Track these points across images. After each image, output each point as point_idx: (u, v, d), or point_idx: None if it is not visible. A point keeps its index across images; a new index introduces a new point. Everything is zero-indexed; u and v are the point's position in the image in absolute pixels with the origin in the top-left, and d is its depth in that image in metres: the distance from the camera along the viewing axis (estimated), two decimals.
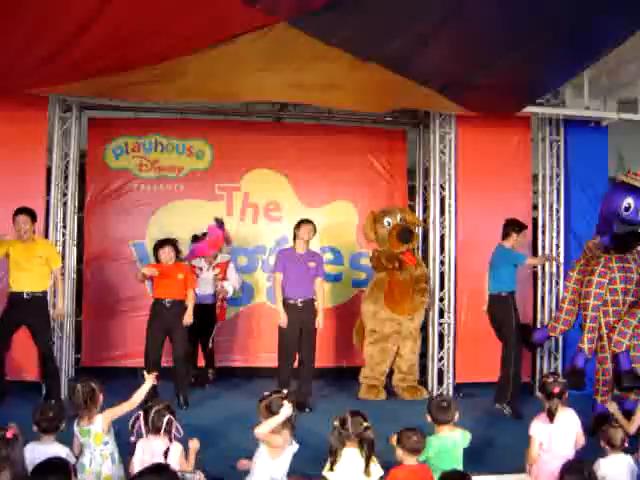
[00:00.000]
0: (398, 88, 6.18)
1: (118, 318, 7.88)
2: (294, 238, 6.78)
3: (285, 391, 3.96)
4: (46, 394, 6.32)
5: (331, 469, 3.62)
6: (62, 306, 6.58)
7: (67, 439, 3.93)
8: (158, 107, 8.03)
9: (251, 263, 8.28)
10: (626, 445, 4.02)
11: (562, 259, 7.64)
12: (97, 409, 3.97)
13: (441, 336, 7.48)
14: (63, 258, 7.20)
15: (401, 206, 7.98)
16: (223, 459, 4.61)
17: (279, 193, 8.36)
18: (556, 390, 4.22)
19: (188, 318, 6.61)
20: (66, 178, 7.26)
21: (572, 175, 7.75)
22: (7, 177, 6.85)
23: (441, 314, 7.49)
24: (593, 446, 4.21)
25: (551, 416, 4.17)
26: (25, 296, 6.15)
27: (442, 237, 7.56)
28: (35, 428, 3.80)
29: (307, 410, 6.46)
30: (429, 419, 4.11)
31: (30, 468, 3.20)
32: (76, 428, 3.95)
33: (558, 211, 7.79)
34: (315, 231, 6.78)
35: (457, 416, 4.12)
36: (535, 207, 7.91)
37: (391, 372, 7.34)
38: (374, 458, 3.67)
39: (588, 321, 5.77)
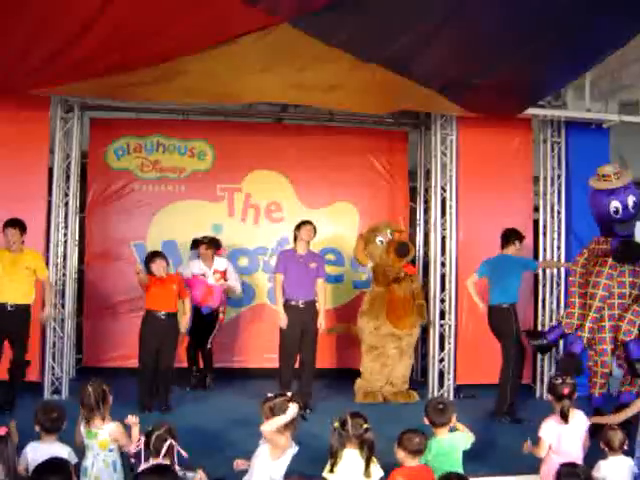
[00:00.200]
0: (399, 89, 6.18)
1: (119, 319, 7.90)
2: (295, 239, 6.79)
3: (289, 393, 3.95)
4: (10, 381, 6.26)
5: (331, 471, 3.62)
6: (48, 312, 6.48)
7: (68, 439, 3.94)
8: (160, 108, 8.05)
9: (252, 264, 8.29)
10: (625, 447, 4.02)
11: (563, 261, 7.64)
12: (108, 412, 3.97)
13: (442, 337, 7.47)
14: (64, 258, 7.24)
15: (386, 221, 7.82)
16: (224, 460, 4.61)
17: (280, 194, 8.37)
18: (566, 391, 4.24)
19: (185, 325, 6.67)
20: (68, 178, 7.26)
21: (573, 177, 7.74)
22: (9, 177, 6.85)
23: (442, 315, 7.48)
24: (594, 447, 4.22)
25: (565, 417, 4.18)
26: (9, 308, 6.14)
27: (443, 238, 7.56)
28: (37, 428, 3.80)
29: (308, 411, 6.45)
30: (427, 421, 4.11)
31: (31, 468, 3.21)
32: (83, 429, 3.94)
33: (559, 213, 7.78)
34: (315, 232, 6.78)
35: (455, 418, 4.13)
36: (536, 209, 7.91)
37: None
38: (374, 459, 3.67)
39: (592, 311, 5.74)
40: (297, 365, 6.73)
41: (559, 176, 7.80)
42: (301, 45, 5.02)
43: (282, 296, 6.65)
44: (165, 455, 3.56)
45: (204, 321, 7.33)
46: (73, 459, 3.73)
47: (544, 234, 7.81)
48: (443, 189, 7.58)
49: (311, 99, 6.86)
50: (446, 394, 7.31)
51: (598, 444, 4.12)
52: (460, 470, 3.86)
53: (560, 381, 4.33)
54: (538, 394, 7.60)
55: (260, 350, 8.08)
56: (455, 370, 7.44)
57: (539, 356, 7.53)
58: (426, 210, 8.30)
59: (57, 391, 6.92)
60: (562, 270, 7.57)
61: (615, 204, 5.53)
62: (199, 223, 8.06)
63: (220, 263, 7.45)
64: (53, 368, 6.96)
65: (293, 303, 6.60)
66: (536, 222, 7.85)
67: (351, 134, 8.54)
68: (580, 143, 7.74)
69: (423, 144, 8.48)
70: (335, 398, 7.19)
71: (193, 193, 8.20)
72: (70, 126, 7.26)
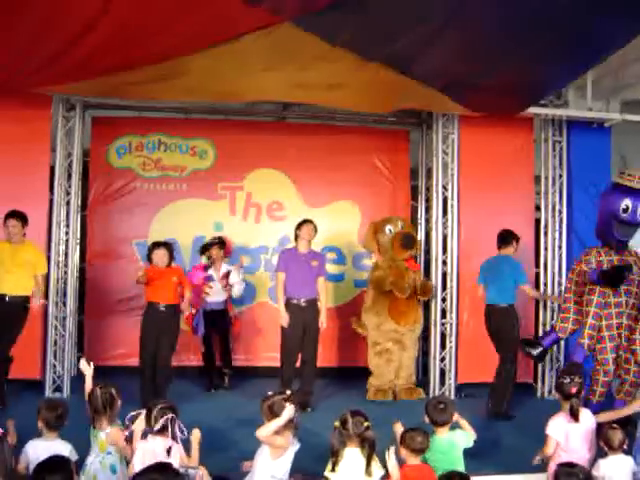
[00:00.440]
0: (401, 88, 6.17)
1: (120, 317, 7.90)
2: (296, 238, 6.80)
3: (289, 392, 3.94)
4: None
5: (333, 470, 3.63)
6: (39, 302, 6.36)
7: (69, 437, 3.95)
8: (161, 106, 8.05)
9: (254, 263, 8.28)
10: (625, 447, 4.03)
11: (565, 260, 7.65)
12: (114, 416, 4.00)
13: (443, 336, 7.48)
14: (66, 257, 7.25)
15: (401, 217, 7.91)
16: (226, 458, 4.63)
17: (282, 193, 8.37)
18: (574, 390, 4.28)
19: (186, 309, 6.68)
20: (69, 177, 7.26)
21: (575, 176, 7.75)
22: (10, 176, 6.86)
23: (443, 314, 7.49)
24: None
25: (575, 415, 4.21)
26: (7, 299, 6.16)
27: (444, 237, 7.57)
28: (40, 424, 3.82)
29: (309, 410, 6.47)
30: (427, 420, 4.13)
31: (33, 466, 3.22)
32: (91, 428, 3.99)
33: (561, 212, 7.78)
34: (316, 231, 6.80)
35: (455, 417, 4.14)
36: (538, 208, 7.91)
37: None
38: (375, 457, 3.67)
39: (590, 318, 5.75)
40: (298, 364, 6.74)
41: (561, 175, 7.81)
42: (304, 44, 5.02)
43: (284, 295, 6.66)
44: (164, 430, 3.59)
45: (216, 324, 7.43)
46: (74, 457, 3.75)
47: (545, 233, 7.81)
48: (445, 188, 7.58)
49: (313, 98, 6.85)
50: (447, 393, 7.31)
51: (598, 443, 4.14)
52: (460, 468, 3.87)
53: (568, 380, 4.36)
54: (539, 393, 7.60)
55: (262, 349, 8.10)
56: (456, 369, 7.45)
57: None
58: (427, 209, 8.29)
59: (58, 389, 6.94)
60: (563, 269, 7.58)
61: (627, 202, 5.53)
62: (200, 222, 8.07)
63: (224, 267, 7.52)
64: (54, 366, 6.97)
65: (295, 302, 6.61)
66: (537, 221, 7.86)
67: (353, 133, 8.54)
68: (582, 142, 7.75)
69: (425, 143, 8.47)
70: (337, 396, 7.20)
71: (194, 192, 8.20)
72: (72, 125, 7.26)
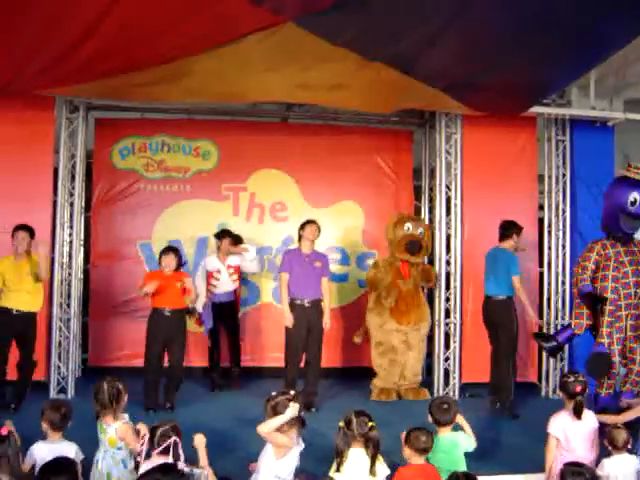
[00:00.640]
0: (404, 88, 6.18)
1: (125, 318, 7.90)
2: (299, 239, 6.81)
3: (292, 392, 3.95)
4: (21, 382, 6.32)
5: (338, 470, 3.64)
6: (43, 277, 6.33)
7: (73, 437, 3.96)
8: (165, 108, 8.07)
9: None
10: (629, 446, 4.03)
11: (568, 260, 7.64)
12: (120, 410, 4.00)
13: (447, 336, 7.48)
14: (70, 258, 7.28)
15: (426, 223, 7.95)
16: (231, 459, 4.64)
17: (285, 193, 8.37)
18: (578, 389, 4.26)
19: (191, 302, 6.69)
20: (73, 178, 7.27)
21: (578, 175, 7.73)
22: (14, 177, 6.87)
23: (447, 314, 7.48)
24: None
25: (578, 414, 4.20)
26: (14, 312, 6.20)
27: (448, 237, 7.56)
28: (45, 425, 3.82)
29: (313, 410, 6.47)
30: (430, 420, 4.13)
31: (39, 467, 3.22)
32: (97, 423, 3.99)
33: (564, 211, 7.77)
34: (319, 231, 6.80)
35: (459, 419, 4.14)
36: (541, 207, 7.90)
37: None
38: (380, 457, 3.67)
39: (606, 315, 5.72)
40: (302, 364, 6.75)
41: (564, 174, 7.79)
42: (306, 44, 5.03)
43: (287, 295, 6.67)
44: (166, 452, 3.58)
45: (224, 317, 7.39)
46: (80, 457, 3.75)
47: (549, 233, 7.81)
48: (448, 188, 7.58)
49: (316, 98, 6.85)
50: (451, 393, 7.31)
51: (602, 443, 4.13)
52: (462, 468, 3.88)
53: (572, 379, 4.35)
54: (544, 392, 7.59)
55: (265, 349, 8.10)
56: (460, 369, 7.44)
57: (545, 354, 7.52)
58: (431, 209, 8.30)
59: (63, 390, 6.94)
60: (567, 269, 7.58)
61: (635, 195, 5.55)
62: (204, 223, 8.08)
63: (233, 259, 7.48)
64: (59, 367, 6.98)
65: (299, 302, 6.61)
66: (541, 221, 7.85)
67: (356, 133, 8.54)
68: (585, 141, 7.73)
69: (428, 143, 8.49)
70: (341, 397, 7.21)
71: (198, 193, 8.21)
72: (75, 126, 7.28)
